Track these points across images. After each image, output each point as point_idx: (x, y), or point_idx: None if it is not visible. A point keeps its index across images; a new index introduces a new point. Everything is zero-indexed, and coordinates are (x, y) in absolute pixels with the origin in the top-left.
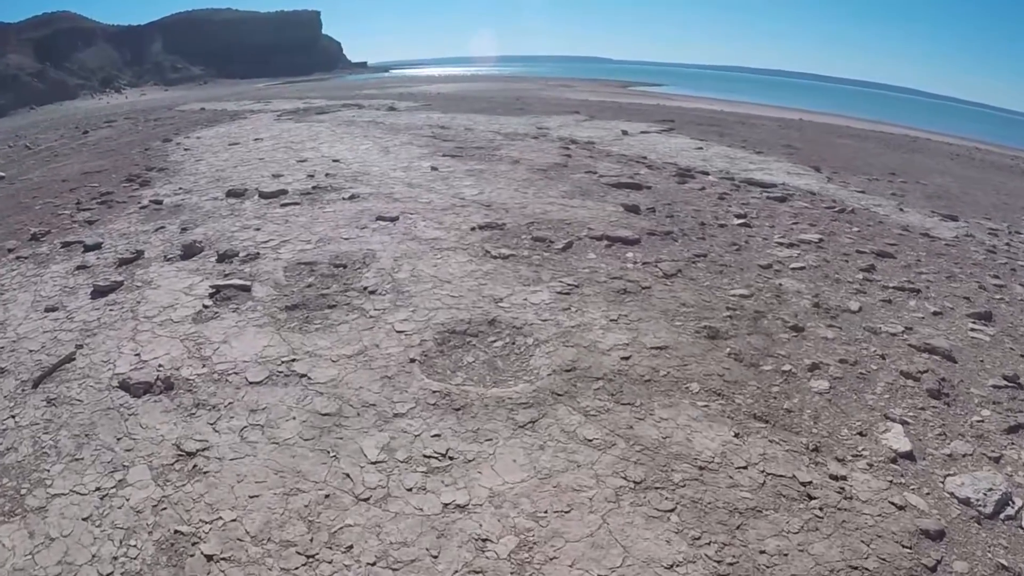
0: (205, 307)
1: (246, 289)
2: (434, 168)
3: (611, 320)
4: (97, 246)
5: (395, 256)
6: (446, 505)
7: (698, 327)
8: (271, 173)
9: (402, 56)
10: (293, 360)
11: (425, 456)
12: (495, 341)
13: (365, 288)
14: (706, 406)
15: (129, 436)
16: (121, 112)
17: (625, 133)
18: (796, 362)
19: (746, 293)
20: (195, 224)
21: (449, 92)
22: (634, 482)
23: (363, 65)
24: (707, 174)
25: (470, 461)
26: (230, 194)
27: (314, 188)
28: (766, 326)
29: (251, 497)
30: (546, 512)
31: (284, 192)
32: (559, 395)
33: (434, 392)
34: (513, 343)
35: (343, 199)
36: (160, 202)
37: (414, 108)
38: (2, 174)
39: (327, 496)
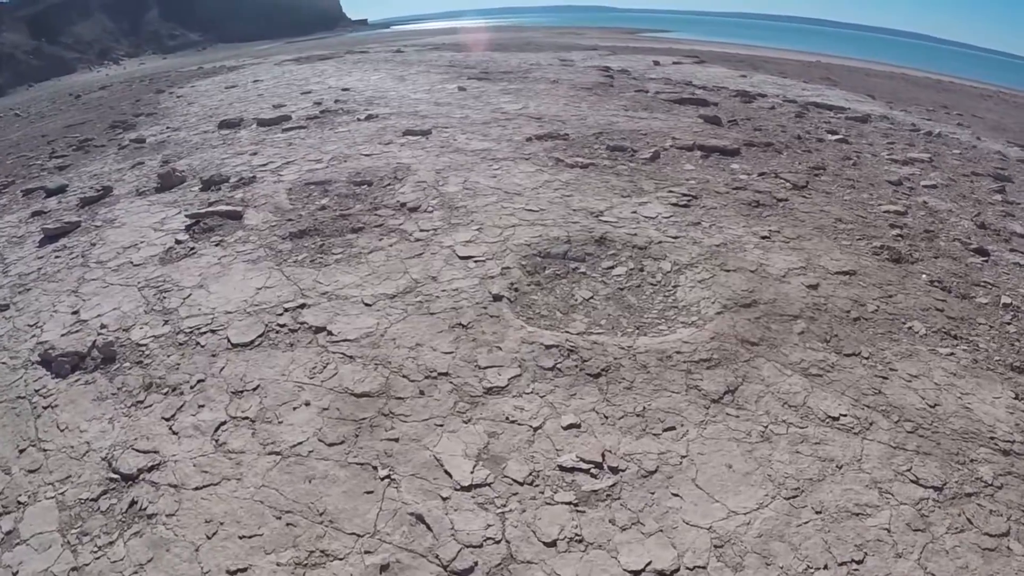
0: (178, 242)
1: (235, 216)
2: (462, 88)
3: (762, 237)
4: (61, 189)
5: (436, 169)
6: None
7: (873, 248)
8: (271, 105)
9: (400, 12)
10: (302, 306)
11: (563, 479)
12: (613, 267)
13: (403, 204)
14: (952, 354)
15: (36, 446)
16: (119, 80)
17: (657, 63)
18: (1011, 292)
19: (900, 209)
20: (179, 157)
21: (456, 41)
22: (934, 488)
23: (363, 23)
24: (766, 96)
25: (649, 476)
26: (223, 125)
27: (322, 112)
28: (946, 248)
29: None
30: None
31: (287, 119)
32: (753, 344)
33: (548, 348)
34: (641, 268)
35: (358, 120)
36: (143, 141)
37: (424, 49)
38: None
39: None
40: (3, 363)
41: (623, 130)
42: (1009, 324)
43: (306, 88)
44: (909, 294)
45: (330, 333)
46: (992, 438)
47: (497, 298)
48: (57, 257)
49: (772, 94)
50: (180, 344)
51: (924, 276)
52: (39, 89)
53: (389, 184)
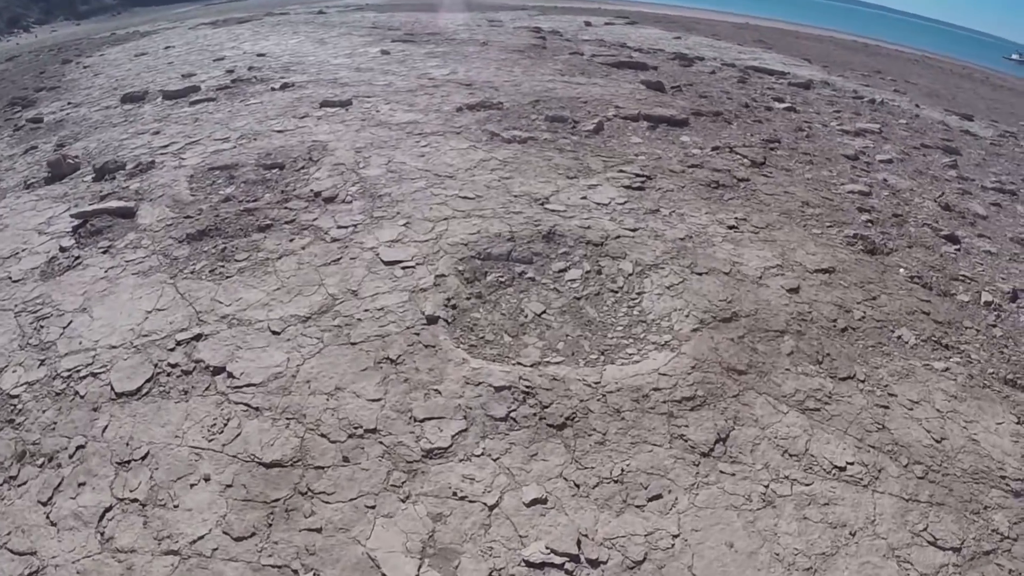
0: (62, 250)
1: (127, 214)
2: (385, 52)
3: (729, 227)
4: None
5: (356, 147)
6: None
7: (847, 237)
8: (180, 74)
9: None
10: (198, 337)
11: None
12: (566, 269)
13: (317, 194)
14: (947, 369)
15: None
16: (27, 50)
17: (588, 24)
18: (990, 288)
19: (864, 190)
20: (76, 138)
21: (381, 1)
22: (953, 550)
23: None
24: (704, 59)
25: (636, 567)
26: (126, 99)
27: (234, 82)
28: (917, 235)
29: None
30: None
31: (195, 89)
32: (740, 373)
33: (498, 391)
34: (599, 271)
35: (272, 90)
36: (39, 120)
37: (347, 10)
38: None
39: None
40: None
41: (561, 98)
42: (995, 326)
43: (220, 54)
44: (892, 294)
45: (231, 375)
46: (1003, 476)
47: (432, 320)
48: None
49: (710, 57)
50: (57, 394)
51: (903, 271)
52: None
53: (303, 167)
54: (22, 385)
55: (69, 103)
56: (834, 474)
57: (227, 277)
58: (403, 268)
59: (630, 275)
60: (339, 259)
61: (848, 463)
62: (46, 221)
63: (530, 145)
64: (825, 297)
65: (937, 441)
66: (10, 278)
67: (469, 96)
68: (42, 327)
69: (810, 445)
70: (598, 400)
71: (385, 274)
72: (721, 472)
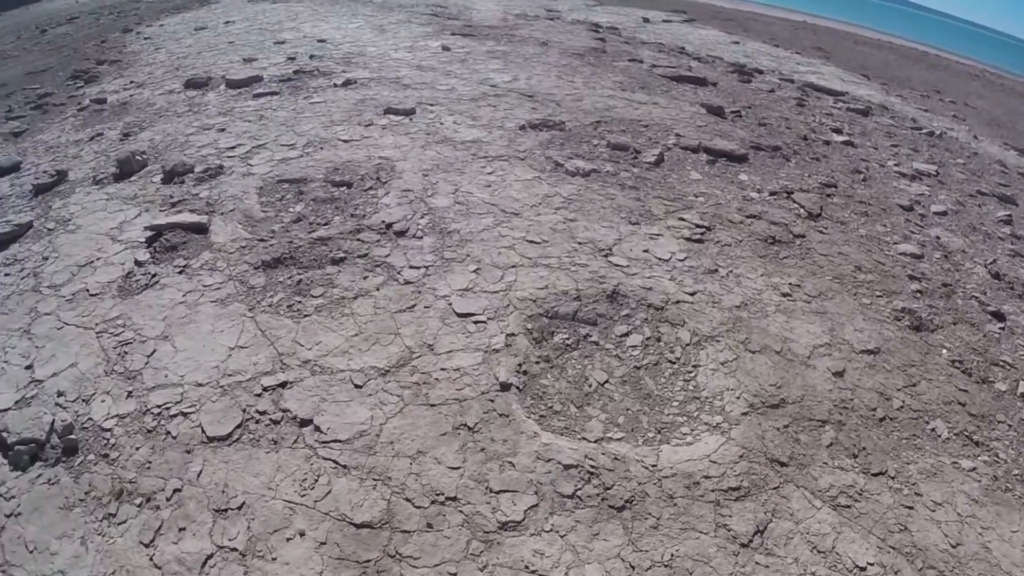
0: (138, 264)
1: (201, 230)
2: (446, 48)
3: (783, 295)
4: (14, 167)
5: (423, 168)
6: None
7: (894, 309)
8: (242, 57)
9: None
10: (284, 384)
11: None
12: (627, 334)
13: (388, 226)
14: (973, 470)
15: (5, 571)
16: (87, 10)
17: (646, 20)
18: None
19: (916, 251)
20: (141, 127)
21: None
22: None
23: None
24: (762, 72)
25: None
26: (189, 85)
27: (296, 73)
28: (964, 309)
29: None
30: None
31: (258, 79)
32: (782, 465)
33: (567, 468)
34: (658, 338)
35: (335, 86)
36: (103, 100)
37: None
38: None
39: None
40: None
41: (623, 119)
42: None
43: (280, 36)
44: (932, 380)
45: (318, 429)
46: None
47: (505, 387)
48: (6, 275)
49: (769, 69)
50: (149, 431)
51: (945, 352)
52: (6, 18)
53: (371, 187)
54: (113, 418)
55: (132, 82)
56: (855, 573)
57: (305, 315)
58: (475, 323)
59: (687, 345)
60: (413, 306)
61: (869, 563)
62: (118, 226)
63: (593, 179)
64: (868, 382)
65: (953, 546)
66: (87, 291)
67: (532, 111)
68: (126, 353)
69: (837, 543)
70: (654, 484)
71: (458, 328)
72: (756, 563)
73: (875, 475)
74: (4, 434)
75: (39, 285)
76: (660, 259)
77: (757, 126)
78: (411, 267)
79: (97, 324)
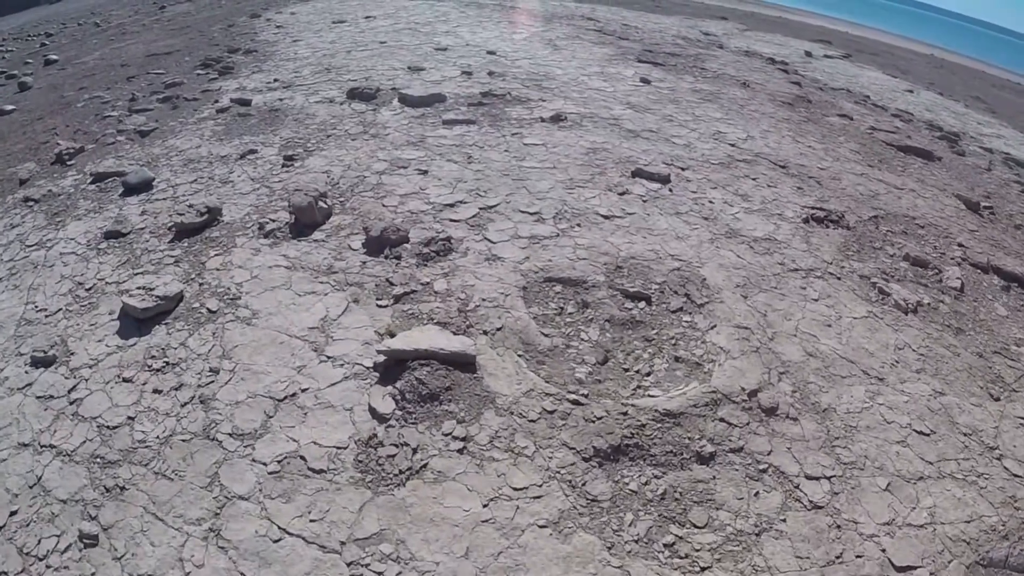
0: (380, 421)
1: (466, 365)
2: (645, 81)
3: None
4: (145, 186)
5: (735, 283)
6: None
7: None
8: (406, 65)
9: None
10: None
11: None
12: None
13: (750, 395)
14: None
15: None
16: None
17: (809, 55)
18: None
19: None
20: (306, 147)
21: None
22: None
23: None
24: (959, 137)
25: None
26: (354, 95)
27: (484, 96)
28: None
29: None
30: None
31: (440, 99)
32: None
33: None
34: None
35: (542, 120)
36: (247, 103)
37: None
38: (55, 57)
39: None
40: None
41: (896, 214)
42: None
43: (437, 41)
44: None
45: None
46: None
47: None
48: (157, 392)
49: (960, 131)
50: None
51: None
52: None
53: (680, 309)
54: None
55: (276, 80)
56: None
57: (702, 568)
58: None
59: None
60: (840, 556)
61: None
62: (320, 326)
63: (922, 318)
64: None
65: None
66: (304, 461)
67: (798, 191)
68: None
69: None
70: None
71: None
72: None
73: None
74: None
75: (214, 429)
76: None
77: (1015, 230)
78: (807, 476)
79: (342, 545)
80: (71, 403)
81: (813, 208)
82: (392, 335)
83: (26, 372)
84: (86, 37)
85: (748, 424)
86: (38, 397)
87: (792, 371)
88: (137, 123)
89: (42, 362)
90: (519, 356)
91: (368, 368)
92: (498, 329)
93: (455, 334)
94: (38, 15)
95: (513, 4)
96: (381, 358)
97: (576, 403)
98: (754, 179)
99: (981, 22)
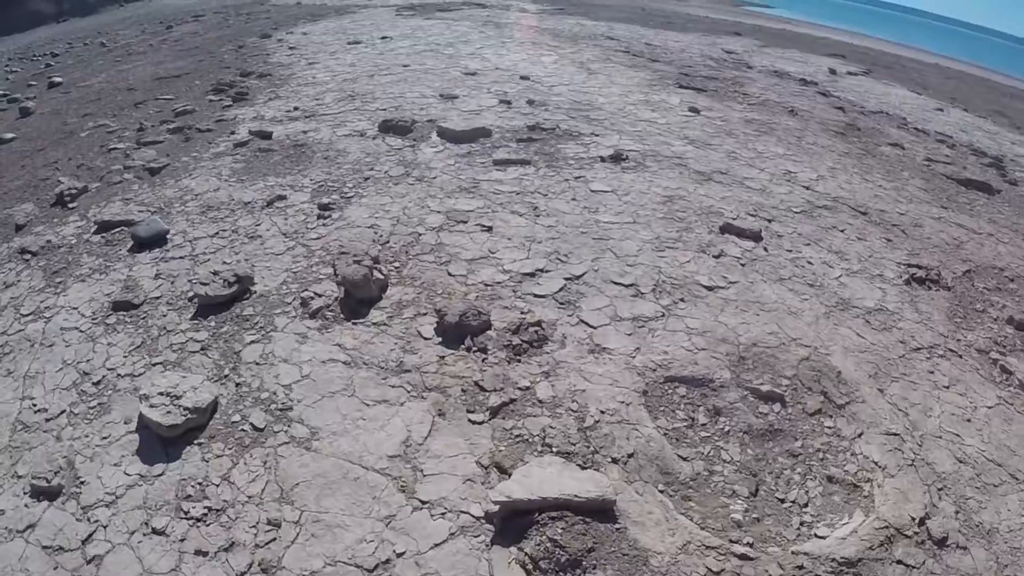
0: None
1: (605, 514)
2: (694, 110)
3: None
4: (158, 240)
5: (867, 372)
6: None
7: None
8: (435, 91)
9: None
10: None
11: None
12: None
13: (938, 542)
14: None
15: None
16: (211, 7)
17: (833, 72)
18: None
19: None
20: (342, 194)
21: None
22: None
23: None
24: (1003, 163)
25: None
26: (388, 129)
27: (531, 131)
28: None
29: None
30: None
31: (485, 134)
32: None
33: None
34: None
35: (601, 161)
36: (267, 135)
37: (548, 12)
38: (59, 79)
39: None
40: None
41: (985, 265)
42: None
43: (463, 64)
44: None
45: None
46: None
47: None
48: (198, 573)
49: (1004, 156)
50: None
51: None
52: (128, 9)
53: (819, 412)
54: None
55: (296, 108)
56: None
57: None
58: None
59: None
60: None
61: None
62: (403, 453)
63: None
64: None
65: None
66: None
67: (888, 245)
68: None
69: None
70: None
71: None
72: None
73: None
74: None
75: None
76: None
77: None
78: None
79: None
80: (88, 561)
81: (910, 266)
82: (501, 469)
83: (26, 505)
84: (92, 58)
85: (924, 564)
86: (44, 547)
87: (949, 485)
88: (146, 158)
89: (45, 493)
90: (661, 492)
91: (478, 519)
92: (630, 456)
93: (582, 468)
94: (45, 34)
95: (529, 23)
96: (493, 506)
97: (744, 557)
98: (842, 231)
99: (960, 22)
